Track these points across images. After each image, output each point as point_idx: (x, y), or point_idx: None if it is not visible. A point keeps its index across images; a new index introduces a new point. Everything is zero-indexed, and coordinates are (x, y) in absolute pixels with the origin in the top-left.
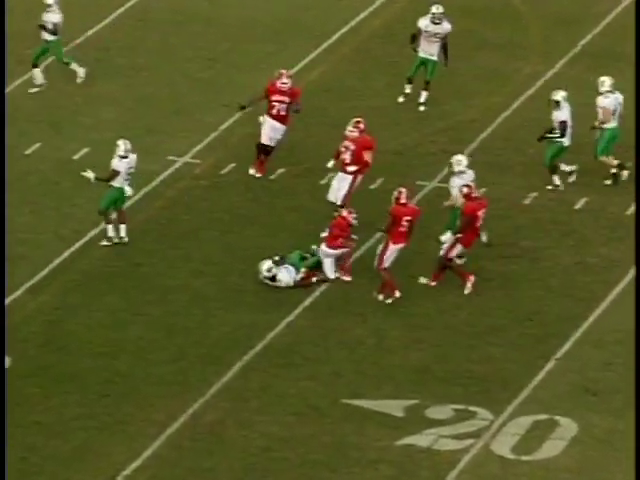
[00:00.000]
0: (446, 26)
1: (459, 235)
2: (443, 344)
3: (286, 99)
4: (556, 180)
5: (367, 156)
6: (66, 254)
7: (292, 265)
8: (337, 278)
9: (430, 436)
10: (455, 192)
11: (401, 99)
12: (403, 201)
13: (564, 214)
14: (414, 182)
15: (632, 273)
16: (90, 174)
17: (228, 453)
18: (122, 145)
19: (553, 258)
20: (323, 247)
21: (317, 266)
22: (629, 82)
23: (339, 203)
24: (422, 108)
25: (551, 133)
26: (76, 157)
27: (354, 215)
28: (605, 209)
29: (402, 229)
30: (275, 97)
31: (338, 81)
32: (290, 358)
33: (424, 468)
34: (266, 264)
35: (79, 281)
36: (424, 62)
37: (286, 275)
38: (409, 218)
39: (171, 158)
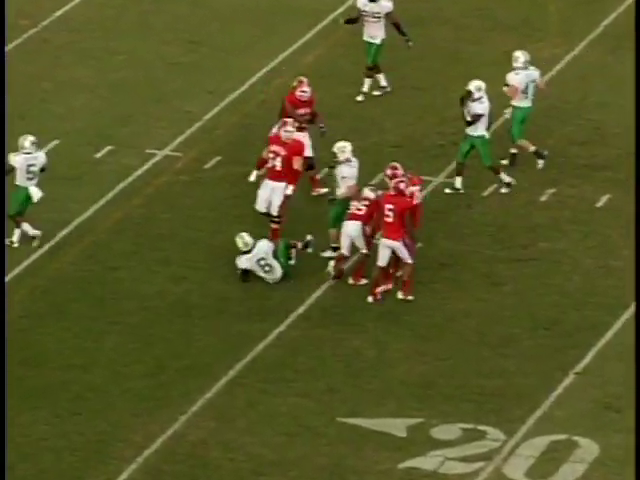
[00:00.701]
0: (385, 4)
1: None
2: (450, 356)
3: (308, 110)
4: (505, 177)
5: (297, 164)
6: (34, 257)
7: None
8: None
9: (436, 458)
10: (346, 182)
11: (377, 92)
12: (401, 184)
13: (584, 212)
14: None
15: None
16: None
17: (212, 478)
18: (24, 141)
19: (572, 261)
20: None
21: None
22: None
23: (275, 214)
24: (360, 98)
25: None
26: (45, 150)
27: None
28: (629, 207)
29: (388, 220)
30: (300, 111)
31: (333, 66)
32: (281, 372)
33: None
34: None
35: (47, 287)
36: (371, 45)
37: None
38: (391, 207)
39: (149, 151)
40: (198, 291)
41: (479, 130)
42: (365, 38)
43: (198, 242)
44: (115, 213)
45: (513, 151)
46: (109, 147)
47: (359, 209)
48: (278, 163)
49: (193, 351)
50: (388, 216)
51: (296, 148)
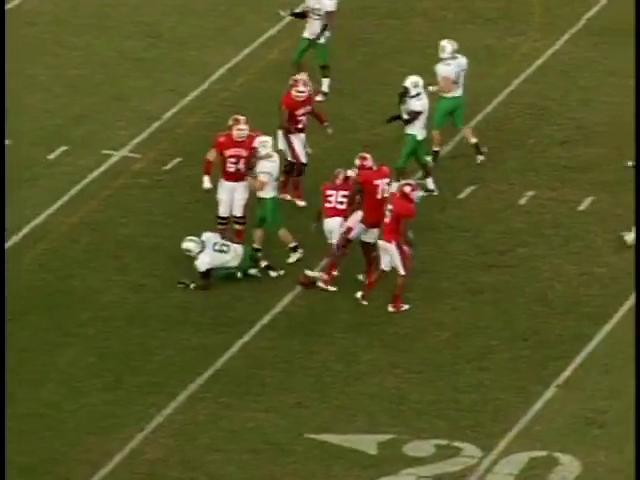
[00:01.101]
0: (326, 3)
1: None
2: (423, 369)
3: (308, 109)
4: (429, 184)
5: None
6: None
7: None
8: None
9: (408, 477)
10: (266, 178)
11: (319, 97)
12: (406, 187)
13: (566, 216)
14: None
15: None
16: None
17: None
18: None
19: (553, 268)
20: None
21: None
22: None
23: (239, 214)
24: (320, 98)
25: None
26: None
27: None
28: (614, 210)
29: (386, 219)
30: (299, 111)
31: (305, 60)
32: (245, 386)
33: None
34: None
35: None
36: (310, 44)
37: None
38: (391, 208)
39: (106, 152)
40: (157, 301)
41: (413, 129)
42: (305, 35)
43: (158, 249)
44: (70, 218)
45: (436, 149)
46: (63, 148)
47: (340, 202)
48: (242, 166)
49: (152, 365)
50: (386, 216)
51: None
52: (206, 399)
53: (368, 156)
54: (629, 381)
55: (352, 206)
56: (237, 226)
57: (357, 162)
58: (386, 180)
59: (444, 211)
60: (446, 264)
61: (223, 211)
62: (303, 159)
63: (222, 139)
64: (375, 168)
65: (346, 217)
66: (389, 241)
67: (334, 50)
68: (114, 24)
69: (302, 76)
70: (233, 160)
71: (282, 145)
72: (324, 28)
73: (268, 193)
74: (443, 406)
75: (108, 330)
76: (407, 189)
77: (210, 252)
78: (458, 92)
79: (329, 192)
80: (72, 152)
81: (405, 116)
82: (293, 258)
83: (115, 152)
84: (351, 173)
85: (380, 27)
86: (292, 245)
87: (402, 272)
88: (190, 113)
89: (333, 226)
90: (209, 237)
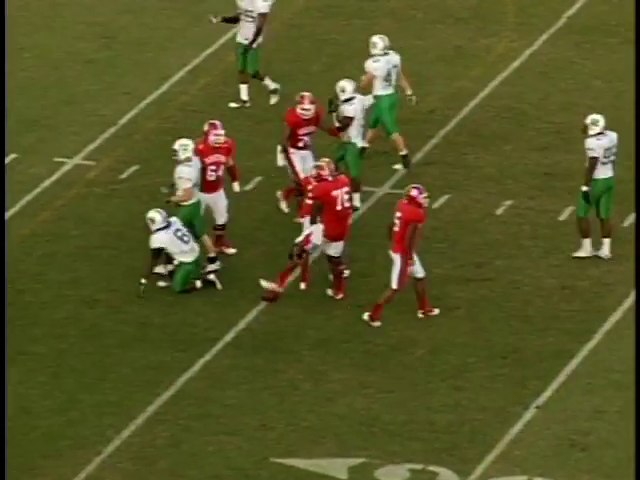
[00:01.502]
0: (259, 4)
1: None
2: (396, 389)
3: (312, 128)
4: (356, 200)
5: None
6: None
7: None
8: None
9: None
10: (184, 184)
11: (233, 104)
12: (413, 191)
13: (546, 227)
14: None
15: (631, 299)
16: None
17: None
18: None
19: (533, 281)
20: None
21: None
22: (624, 62)
23: (224, 222)
24: (233, 104)
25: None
26: None
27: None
28: (597, 221)
29: (394, 228)
30: (302, 130)
31: (266, 64)
32: (207, 407)
33: None
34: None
35: None
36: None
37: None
38: (399, 215)
39: (58, 160)
40: (113, 316)
41: (350, 136)
42: (239, 39)
43: (114, 262)
44: (21, 229)
45: (403, 153)
46: (14, 155)
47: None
48: (221, 173)
49: (108, 384)
50: (394, 224)
51: (231, 149)
52: (166, 421)
53: (325, 164)
54: (614, 401)
55: (310, 216)
56: (217, 232)
57: (313, 172)
58: (345, 189)
59: None
60: None
61: (218, 219)
62: (301, 176)
63: (201, 146)
64: (331, 178)
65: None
66: (395, 252)
67: (298, 52)
68: (65, 24)
69: (308, 93)
70: (213, 167)
71: (281, 162)
72: (258, 32)
73: (194, 198)
74: (417, 427)
75: (61, 347)
76: (414, 193)
77: (171, 234)
78: (390, 90)
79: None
80: (23, 160)
81: (336, 123)
82: (209, 269)
83: (68, 160)
84: (323, 170)
85: (346, 27)
86: (211, 255)
87: (394, 285)
88: (147, 118)
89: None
90: (176, 221)
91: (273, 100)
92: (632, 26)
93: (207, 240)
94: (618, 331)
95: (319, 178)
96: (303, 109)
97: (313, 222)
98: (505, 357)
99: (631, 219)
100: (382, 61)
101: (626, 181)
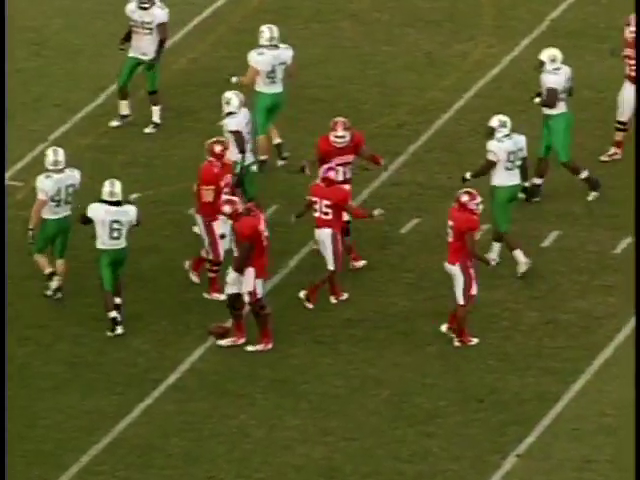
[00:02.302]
0: (158, 12)
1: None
2: (359, 436)
3: (350, 158)
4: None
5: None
6: None
7: None
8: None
9: None
10: (44, 197)
11: (115, 123)
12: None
13: (527, 254)
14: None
15: (624, 334)
16: None
17: None
18: None
19: (512, 315)
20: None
21: None
22: (617, 70)
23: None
24: (149, 130)
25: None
26: None
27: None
28: (584, 247)
29: (448, 238)
30: (338, 160)
31: (214, 70)
32: (148, 456)
33: None
34: None
35: None
36: (138, 64)
37: None
38: (451, 224)
39: None
40: (43, 355)
41: (233, 154)
42: (133, 54)
43: (42, 293)
44: None
45: (262, 158)
46: None
47: (325, 212)
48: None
49: (38, 431)
50: (447, 234)
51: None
52: (102, 472)
53: (237, 200)
54: (604, 449)
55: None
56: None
57: (227, 209)
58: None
59: (384, 248)
60: (386, 311)
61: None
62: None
63: (217, 170)
64: (241, 211)
65: (331, 227)
66: (453, 263)
67: (244, 60)
68: None
69: (342, 118)
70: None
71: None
72: (162, 44)
73: (45, 213)
74: (383, 479)
75: None
76: (464, 198)
77: (109, 215)
78: (276, 88)
79: (313, 199)
80: None
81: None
82: (52, 285)
83: None
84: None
85: (303, 32)
86: (47, 272)
87: (461, 302)
88: (82, 133)
89: (320, 237)
90: (130, 211)
91: (148, 130)
92: (623, 30)
93: (40, 259)
94: (608, 370)
95: (235, 215)
96: (336, 136)
97: (243, 268)
98: (481, 400)
99: (624, 244)
100: (267, 55)
101: (618, 202)
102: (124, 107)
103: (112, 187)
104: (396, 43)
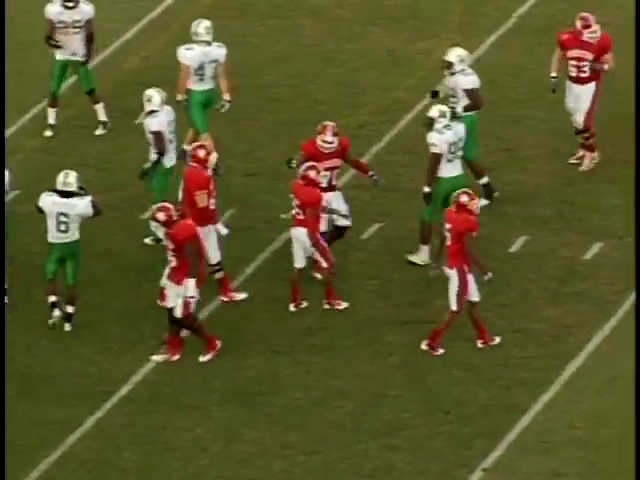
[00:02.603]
0: (86, 8)
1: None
2: (320, 449)
3: (338, 163)
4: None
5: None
6: None
7: None
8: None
9: None
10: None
11: (48, 133)
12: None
13: (495, 260)
14: (277, 214)
15: (593, 343)
16: None
17: None
18: None
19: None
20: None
21: None
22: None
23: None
24: (100, 132)
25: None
26: None
27: None
28: (554, 252)
29: (447, 242)
30: (324, 164)
31: (167, 68)
32: (99, 471)
33: None
34: None
35: None
36: (67, 66)
37: None
38: (449, 227)
39: None
40: None
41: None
42: (63, 57)
43: None
44: None
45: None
46: None
47: (297, 212)
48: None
49: None
50: (445, 237)
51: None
52: None
53: (170, 206)
54: (574, 462)
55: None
56: (217, 275)
57: (160, 216)
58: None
59: (345, 254)
60: (347, 320)
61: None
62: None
63: (206, 173)
64: (176, 218)
65: (306, 226)
66: (451, 267)
67: None
68: None
69: (331, 123)
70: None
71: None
72: (91, 39)
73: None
74: None
75: None
76: (464, 199)
77: (55, 207)
78: (206, 85)
79: (291, 195)
80: None
81: (148, 138)
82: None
83: None
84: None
85: (261, 28)
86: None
87: (454, 307)
88: (30, 135)
89: (295, 235)
90: (81, 204)
91: (99, 132)
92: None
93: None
94: (579, 381)
95: (169, 222)
96: (324, 141)
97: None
98: (447, 412)
99: (595, 249)
100: (196, 51)
101: (588, 205)
102: (53, 115)
103: (66, 177)
104: (358, 41)
